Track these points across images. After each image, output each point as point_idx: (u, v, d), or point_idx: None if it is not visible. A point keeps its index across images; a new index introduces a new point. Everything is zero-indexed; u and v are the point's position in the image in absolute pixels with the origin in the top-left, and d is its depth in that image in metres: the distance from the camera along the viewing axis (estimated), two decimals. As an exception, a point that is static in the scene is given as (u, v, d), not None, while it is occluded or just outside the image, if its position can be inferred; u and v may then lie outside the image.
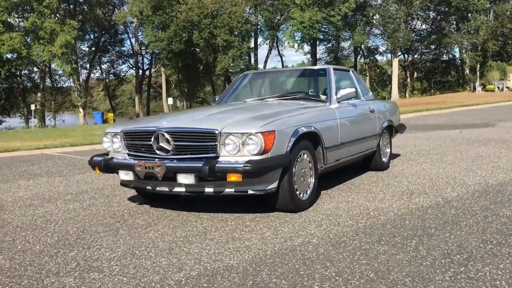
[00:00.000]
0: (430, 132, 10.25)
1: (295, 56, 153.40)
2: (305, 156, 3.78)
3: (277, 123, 3.46)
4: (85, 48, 40.07)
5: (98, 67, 41.41)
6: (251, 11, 35.55)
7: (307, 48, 41.93)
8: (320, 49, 44.53)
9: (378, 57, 46.81)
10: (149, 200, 4.24)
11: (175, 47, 29.34)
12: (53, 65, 33.22)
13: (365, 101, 5.23)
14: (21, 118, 38.18)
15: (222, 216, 3.63)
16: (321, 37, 41.17)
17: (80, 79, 37.91)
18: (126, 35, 40.81)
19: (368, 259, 2.59)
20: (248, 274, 2.43)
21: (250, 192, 3.42)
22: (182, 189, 3.51)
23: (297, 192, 3.66)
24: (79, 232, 3.34)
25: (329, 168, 4.32)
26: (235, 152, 3.30)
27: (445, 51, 45.83)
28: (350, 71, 5.40)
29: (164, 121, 3.68)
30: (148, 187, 3.71)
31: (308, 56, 43.29)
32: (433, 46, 44.58)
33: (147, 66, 41.96)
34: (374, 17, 41.01)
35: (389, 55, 44.67)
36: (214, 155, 3.34)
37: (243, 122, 3.43)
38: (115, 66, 42.23)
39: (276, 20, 36.78)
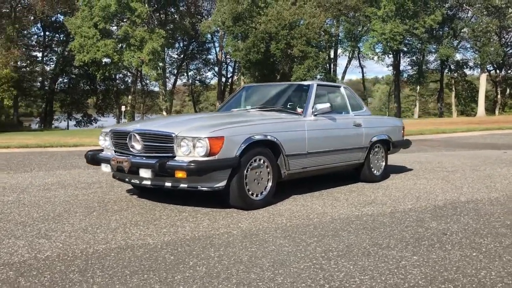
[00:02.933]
0: (472, 151, 10.10)
1: (378, 67, 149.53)
2: (262, 161, 4.27)
3: (228, 130, 4.00)
4: (174, 55, 42.68)
5: (185, 74, 43.82)
6: (330, 22, 35.78)
7: (389, 60, 41.30)
8: (405, 61, 43.60)
9: (468, 72, 44.82)
10: (142, 192, 4.93)
11: (252, 57, 30.39)
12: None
13: (352, 116, 5.57)
14: (114, 118, 41.52)
15: (185, 209, 4.21)
16: (405, 49, 40.34)
17: (169, 84, 40.50)
18: (212, 44, 42.80)
19: (264, 250, 3.05)
20: (157, 251, 2.99)
21: (199, 188, 3.99)
22: (148, 182, 4.16)
23: (249, 193, 4.15)
24: (62, 212, 4.10)
25: (296, 175, 4.76)
26: (188, 153, 3.89)
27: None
28: (342, 88, 5.78)
29: (139, 124, 4.37)
30: (127, 179, 4.41)
31: (391, 68, 42.56)
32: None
33: (230, 74, 43.71)
34: (463, 30, 39.41)
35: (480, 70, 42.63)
36: (171, 154, 3.96)
37: (197, 128, 4.01)
38: (201, 73, 44.42)
39: (357, 31, 36.66)
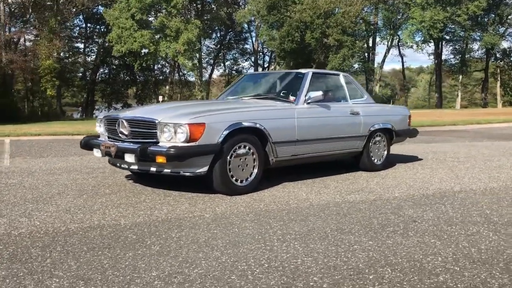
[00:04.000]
0: (497, 142, 9.83)
1: (423, 56, 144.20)
2: (247, 148, 4.35)
3: (210, 117, 4.10)
4: (211, 45, 43.07)
5: (222, 64, 44.18)
6: (368, 10, 35.09)
7: (430, 48, 40.15)
8: (447, 50, 42.27)
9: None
10: (139, 178, 5.11)
11: (287, 46, 30.31)
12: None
13: (350, 104, 5.54)
14: (152, 108, 42.37)
15: (172, 193, 4.35)
16: (447, 37, 39.13)
17: (206, 74, 41.00)
18: (249, 34, 42.90)
19: (225, 232, 3.14)
20: (122, 231, 3.14)
21: (182, 173, 4.11)
22: (136, 167, 4.31)
23: (233, 179, 4.25)
24: (55, 194, 4.32)
25: (286, 162, 4.81)
26: (170, 139, 4.01)
27: None
28: (340, 76, 5.75)
29: (129, 111, 4.53)
30: (118, 164, 4.58)
31: (432, 57, 41.41)
32: None
33: (267, 64, 43.70)
34: (510, 17, 37.82)
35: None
36: (155, 140, 4.09)
37: (179, 115, 4.11)
38: (238, 63, 44.64)
39: (396, 19, 35.81)
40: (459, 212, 3.71)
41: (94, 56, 40.85)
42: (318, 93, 4.93)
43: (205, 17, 38.09)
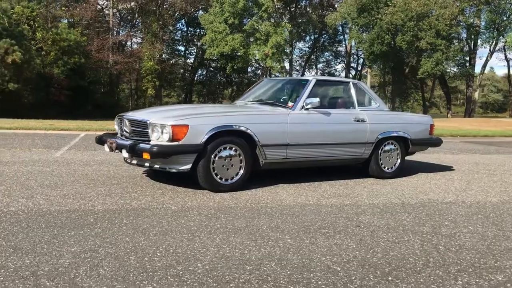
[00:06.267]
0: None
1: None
2: (233, 149, 4.69)
3: (194, 120, 4.50)
4: (305, 48, 43.46)
5: (314, 67, 44.37)
6: (470, 12, 33.10)
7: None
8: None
9: None
10: (155, 174, 5.66)
11: (376, 48, 29.74)
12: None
13: (356, 111, 5.63)
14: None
15: (167, 187, 4.82)
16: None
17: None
18: (343, 36, 42.60)
19: (174, 223, 3.54)
20: (87, 215, 3.66)
21: (167, 169, 4.57)
22: (135, 162, 4.86)
23: (217, 177, 4.62)
24: (68, 182, 5.00)
25: (277, 165, 5.08)
26: (158, 138, 4.49)
27: None
28: (350, 83, 5.84)
29: (136, 112, 5.09)
30: (127, 160, 5.15)
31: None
32: None
33: (360, 67, 43.11)
34: None
35: None
36: (147, 139, 4.60)
37: (167, 117, 4.56)
38: (330, 65, 44.54)
39: (500, 21, 33.40)
40: (421, 221, 3.75)
41: (193, 59, 43.15)
42: (315, 100, 5.12)
43: (299, 20, 38.56)
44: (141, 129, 4.71)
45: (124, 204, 4.04)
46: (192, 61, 43.32)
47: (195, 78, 44.20)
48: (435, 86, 40.45)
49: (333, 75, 44.88)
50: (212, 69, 44.28)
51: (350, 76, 40.98)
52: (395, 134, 5.81)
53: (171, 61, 41.66)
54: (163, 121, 4.47)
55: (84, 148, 8.18)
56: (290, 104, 5.29)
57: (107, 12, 36.97)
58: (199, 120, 4.55)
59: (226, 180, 4.68)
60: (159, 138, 4.48)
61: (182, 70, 43.06)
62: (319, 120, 5.25)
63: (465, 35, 34.04)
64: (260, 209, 4.00)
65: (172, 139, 4.39)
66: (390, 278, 2.54)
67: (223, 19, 31.36)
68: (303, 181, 5.41)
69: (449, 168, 7.03)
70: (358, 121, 5.54)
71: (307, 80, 5.50)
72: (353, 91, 5.77)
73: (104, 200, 4.14)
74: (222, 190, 4.65)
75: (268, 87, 6.10)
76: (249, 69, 42.43)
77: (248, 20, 32.90)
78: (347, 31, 40.81)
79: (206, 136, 4.48)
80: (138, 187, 4.77)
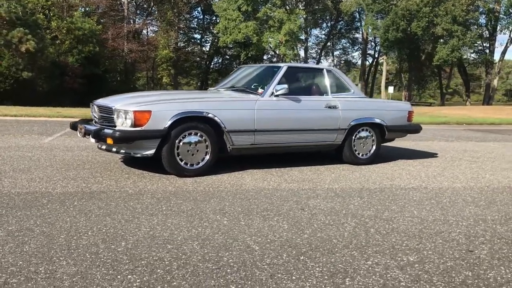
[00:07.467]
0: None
1: None
2: (198, 135, 4.79)
3: (157, 106, 4.60)
4: (321, 35, 43.11)
5: (330, 54, 44.03)
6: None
7: None
8: None
9: None
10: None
11: (391, 35, 29.35)
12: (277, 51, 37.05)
13: (328, 98, 5.65)
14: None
15: (134, 172, 4.97)
16: None
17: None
18: (360, 23, 42.08)
19: (122, 206, 3.67)
20: (53, 197, 3.81)
21: (132, 154, 4.69)
22: (104, 147, 5.00)
23: (182, 162, 4.73)
24: (25, 168, 5.18)
25: (245, 150, 5.15)
26: (122, 124, 4.62)
27: None
28: (324, 70, 5.86)
29: (106, 98, 5.22)
30: (98, 145, 5.30)
31: None
32: None
33: (377, 55, 42.59)
34: None
35: None
36: (113, 124, 4.73)
37: (131, 103, 4.66)
38: (347, 52, 44.13)
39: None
40: (360, 206, 3.80)
41: (209, 47, 43.27)
42: (283, 87, 5.17)
43: (316, 7, 38.20)
44: (108, 115, 4.83)
45: (85, 187, 4.18)
46: (207, 49, 43.44)
47: (211, 66, 44.33)
48: (455, 74, 39.73)
49: (350, 62, 44.47)
50: (228, 57, 44.34)
51: (367, 63, 40.56)
52: (369, 121, 5.82)
53: (187, 49, 41.86)
54: (126, 107, 4.59)
55: (75, 135, 8.37)
56: (260, 90, 5.35)
57: (123, 0, 37.29)
58: (162, 106, 4.65)
59: (192, 165, 4.79)
60: (123, 123, 4.60)
61: (198, 58, 43.23)
62: (288, 106, 5.30)
63: (484, 21, 33.28)
64: (214, 193, 4.10)
65: (134, 125, 4.50)
66: (302, 258, 2.61)
67: (236, 6, 31.33)
68: (275, 167, 5.48)
69: (432, 155, 7.00)
70: (330, 107, 5.57)
71: (279, 67, 5.55)
72: (326, 78, 5.79)
73: (66, 184, 4.29)
74: (187, 175, 4.76)
75: (244, 74, 6.15)
76: (264, 57, 42.34)
77: (262, 7, 32.82)
78: (364, 17, 40.33)
79: (169, 122, 4.58)
80: (107, 172, 4.91)
